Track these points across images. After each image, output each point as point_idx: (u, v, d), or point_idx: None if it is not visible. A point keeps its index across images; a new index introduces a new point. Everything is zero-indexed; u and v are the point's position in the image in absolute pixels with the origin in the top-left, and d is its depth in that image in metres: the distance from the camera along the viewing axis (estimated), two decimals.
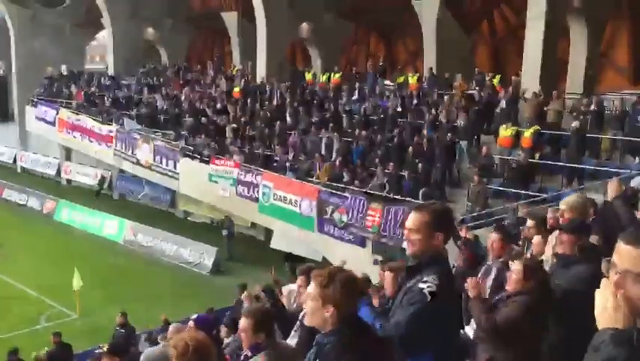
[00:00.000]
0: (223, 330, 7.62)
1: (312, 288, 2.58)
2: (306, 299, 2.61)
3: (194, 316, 5.14)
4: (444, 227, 2.96)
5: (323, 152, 19.87)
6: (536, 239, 5.75)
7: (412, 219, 2.96)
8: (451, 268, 3.27)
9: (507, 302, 3.98)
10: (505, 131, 16.77)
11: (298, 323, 4.33)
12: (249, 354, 3.74)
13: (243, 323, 3.76)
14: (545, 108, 17.13)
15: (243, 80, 26.89)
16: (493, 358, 3.87)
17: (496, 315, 3.88)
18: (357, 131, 19.93)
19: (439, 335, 2.79)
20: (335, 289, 2.53)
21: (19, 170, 36.95)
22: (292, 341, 4.12)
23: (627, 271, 1.69)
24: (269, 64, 27.28)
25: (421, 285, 2.79)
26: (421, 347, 2.80)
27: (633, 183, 9.09)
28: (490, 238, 6.02)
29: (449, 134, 17.34)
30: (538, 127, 16.28)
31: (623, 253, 1.71)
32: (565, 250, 4.39)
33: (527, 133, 16.14)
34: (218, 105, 25.53)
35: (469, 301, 4.08)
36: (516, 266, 4.11)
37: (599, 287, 1.79)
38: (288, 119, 22.70)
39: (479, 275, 5.72)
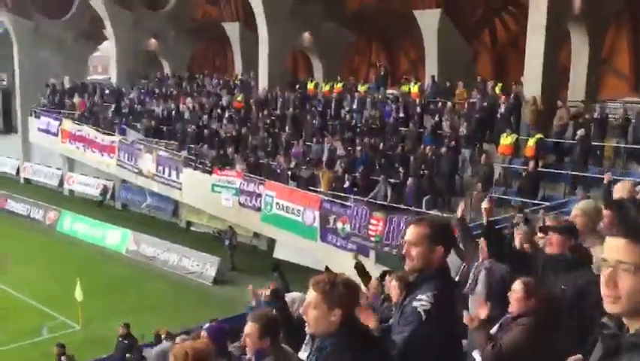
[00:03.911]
0: None
1: (312, 297, 2.54)
2: (305, 310, 2.56)
3: (206, 325, 5.01)
4: (444, 240, 2.88)
5: (325, 160, 19.84)
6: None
7: (411, 232, 2.89)
8: (454, 280, 3.17)
9: (511, 325, 3.84)
10: (506, 139, 16.72)
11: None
12: (253, 359, 3.72)
13: (249, 327, 3.71)
14: (554, 119, 17.05)
15: (245, 90, 26.92)
16: None
17: (502, 341, 3.71)
18: (358, 139, 19.91)
19: (436, 353, 2.71)
20: (339, 292, 2.53)
21: (22, 181, 37.02)
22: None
23: (619, 263, 1.68)
24: (271, 73, 27.34)
25: (415, 303, 2.71)
26: None
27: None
28: (480, 241, 6.14)
29: (452, 143, 17.31)
30: (542, 135, 16.22)
31: (611, 245, 1.72)
32: (553, 250, 4.34)
33: (531, 142, 16.08)
34: (221, 115, 25.56)
35: (472, 332, 3.88)
36: (516, 286, 3.93)
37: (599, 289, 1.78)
38: (290, 128, 22.70)
39: (470, 280, 5.69)
